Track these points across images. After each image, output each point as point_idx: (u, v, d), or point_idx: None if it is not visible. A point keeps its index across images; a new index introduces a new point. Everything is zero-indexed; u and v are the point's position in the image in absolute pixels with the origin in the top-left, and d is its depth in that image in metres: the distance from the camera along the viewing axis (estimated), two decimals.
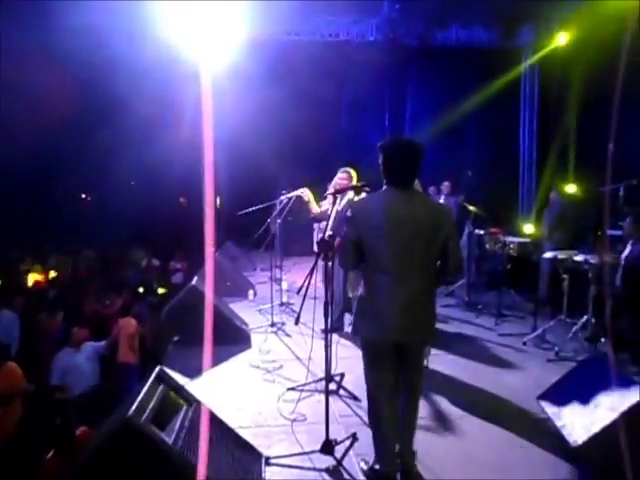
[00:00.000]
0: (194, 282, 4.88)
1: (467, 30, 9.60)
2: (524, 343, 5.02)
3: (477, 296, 6.57)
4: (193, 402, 2.48)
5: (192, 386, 3.87)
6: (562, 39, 8.84)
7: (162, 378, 2.37)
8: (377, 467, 2.65)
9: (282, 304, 6.02)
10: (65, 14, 6.80)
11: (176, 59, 7.60)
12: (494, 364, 4.55)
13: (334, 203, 2.75)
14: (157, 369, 2.40)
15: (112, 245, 10.45)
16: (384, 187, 2.53)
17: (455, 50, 9.65)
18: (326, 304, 2.82)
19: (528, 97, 10.24)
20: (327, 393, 2.89)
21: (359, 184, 2.78)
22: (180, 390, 2.50)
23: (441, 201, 7.65)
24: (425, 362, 3.58)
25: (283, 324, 5.40)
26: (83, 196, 13.16)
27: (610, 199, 6.34)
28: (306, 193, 5.11)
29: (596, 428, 2.47)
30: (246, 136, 9.45)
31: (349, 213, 2.54)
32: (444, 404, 3.68)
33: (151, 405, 2.09)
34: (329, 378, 3.80)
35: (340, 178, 4.75)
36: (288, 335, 5.14)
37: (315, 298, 3.58)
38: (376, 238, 2.42)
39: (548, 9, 9.01)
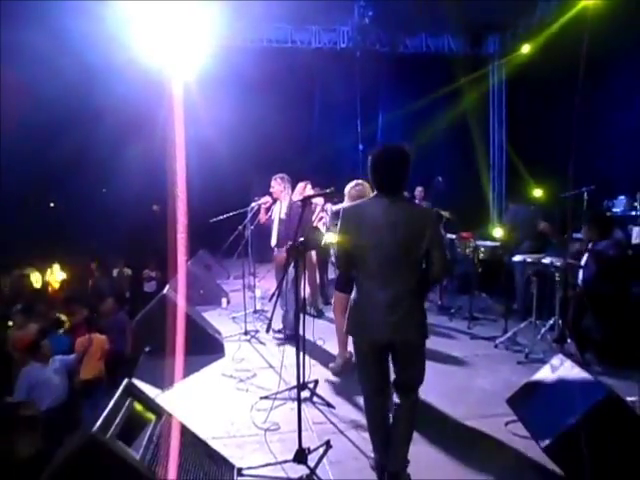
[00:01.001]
0: (165, 291, 4.81)
1: (436, 38, 9.82)
2: (495, 346, 5.10)
3: (450, 300, 6.66)
4: (163, 414, 2.44)
5: (164, 397, 3.83)
6: (526, 48, 9.06)
7: (130, 391, 2.32)
8: (379, 460, 2.73)
9: (256, 311, 5.99)
10: (33, 17, 6.67)
11: (148, 66, 7.52)
12: (466, 367, 4.62)
13: (303, 210, 2.74)
14: (125, 382, 2.35)
15: (81, 255, 10.21)
16: (374, 193, 2.59)
17: (425, 57, 9.84)
18: (297, 311, 2.82)
19: (497, 103, 10.49)
20: (299, 401, 2.87)
21: (329, 191, 2.78)
22: (149, 402, 2.46)
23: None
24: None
25: (257, 332, 5.37)
26: (52, 205, 12.83)
27: (574, 204, 6.55)
28: (265, 200, 5.27)
29: (560, 429, 2.53)
30: (219, 143, 9.40)
31: (340, 220, 2.57)
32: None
33: (118, 419, 2.04)
34: (302, 386, 3.82)
35: (273, 185, 5.03)
36: (262, 343, 5.12)
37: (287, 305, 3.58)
38: (363, 243, 2.48)
39: (513, 18, 9.29)
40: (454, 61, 9.93)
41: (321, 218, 5.89)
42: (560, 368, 2.99)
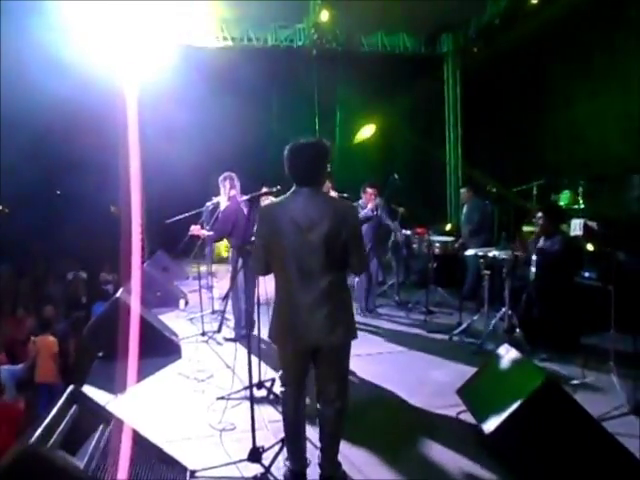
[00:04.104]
0: (119, 294, 4.70)
1: (392, 37, 9.96)
2: (450, 338, 5.25)
3: (407, 295, 6.80)
4: (111, 420, 2.39)
5: (117, 402, 3.76)
6: (477, 47, 9.32)
7: (75, 398, 2.26)
8: (287, 463, 2.71)
9: (214, 312, 5.94)
10: None
11: (100, 66, 7.31)
12: (422, 360, 4.73)
13: (251, 209, 2.73)
14: (70, 388, 2.29)
15: (35, 259, 9.85)
16: (292, 188, 2.51)
17: (381, 56, 9.95)
18: (246, 310, 2.82)
19: (451, 101, 10.72)
20: (252, 400, 2.87)
21: (275, 189, 2.76)
22: (96, 409, 2.41)
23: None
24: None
25: (215, 332, 5.33)
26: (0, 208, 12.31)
27: (524, 198, 6.81)
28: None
29: (503, 416, 2.63)
30: (177, 143, 9.27)
31: (258, 218, 2.51)
32: (373, 399, 3.81)
33: (61, 428, 1.99)
34: (254, 384, 3.80)
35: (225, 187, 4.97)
36: (219, 344, 5.08)
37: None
38: (280, 241, 2.40)
39: (465, 18, 9.52)
40: (409, 60, 10.12)
41: None
42: (505, 357, 3.11)
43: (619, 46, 6.85)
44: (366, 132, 10.02)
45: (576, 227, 5.48)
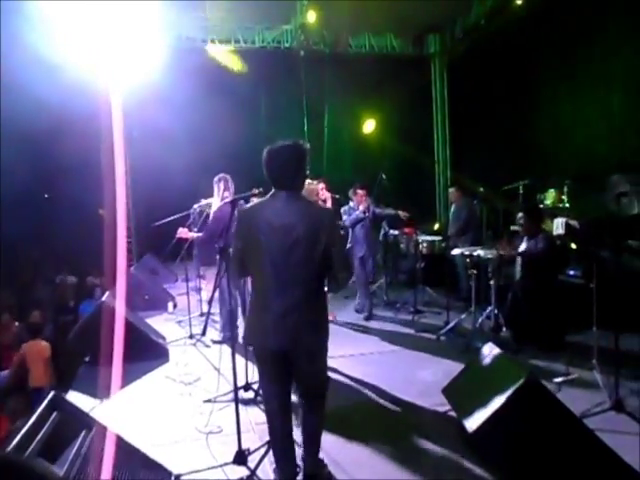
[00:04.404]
0: (104, 298, 4.68)
1: (379, 37, 9.99)
2: (438, 338, 5.27)
3: (396, 295, 6.82)
4: (93, 426, 2.38)
5: (103, 407, 3.74)
6: (463, 47, 9.39)
7: (56, 404, 2.25)
8: (275, 469, 2.71)
9: (202, 314, 5.92)
10: None
11: (87, 64, 7.25)
12: (410, 360, 4.75)
13: (232, 211, 2.73)
14: (51, 395, 2.28)
15: (22, 263, 9.73)
16: (271, 192, 2.51)
17: (368, 56, 9.98)
18: (230, 312, 2.83)
19: (439, 101, 10.78)
20: (237, 402, 2.88)
21: (257, 191, 2.77)
22: (78, 415, 2.39)
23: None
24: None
25: (202, 335, 5.31)
26: None
27: (511, 197, 6.85)
28: (208, 202, 5.18)
29: (486, 414, 2.65)
30: (164, 145, 9.23)
31: (236, 221, 2.50)
32: (360, 399, 3.83)
33: (40, 435, 1.98)
34: (245, 387, 3.84)
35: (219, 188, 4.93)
36: (207, 346, 5.07)
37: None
38: (256, 244, 2.39)
39: (452, 19, 9.59)
40: (397, 60, 10.16)
41: None
42: (488, 356, 3.13)
43: (603, 46, 6.92)
44: (369, 126, 10.03)
45: (558, 226, 5.53)
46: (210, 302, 2.91)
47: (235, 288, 4.37)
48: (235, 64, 9.52)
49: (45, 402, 2.22)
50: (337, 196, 6.33)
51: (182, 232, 5.18)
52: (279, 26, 9.39)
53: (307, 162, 2.53)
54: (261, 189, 2.69)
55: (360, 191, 5.96)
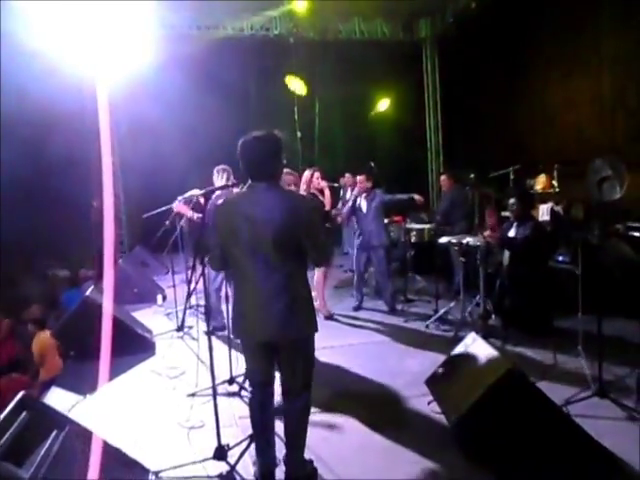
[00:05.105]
0: (88, 292, 4.64)
1: (369, 23, 9.83)
2: (427, 326, 5.25)
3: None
4: (66, 425, 2.34)
5: (86, 403, 3.72)
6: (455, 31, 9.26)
7: (25, 404, 2.21)
8: (255, 462, 2.69)
9: (191, 307, 5.87)
10: None
11: (73, 55, 7.12)
12: (397, 349, 4.73)
13: (205, 204, 2.68)
14: (20, 395, 2.24)
15: (12, 257, 9.66)
16: (248, 183, 2.47)
17: (359, 42, 9.84)
18: (206, 307, 2.79)
19: (430, 86, 10.65)
20: (215, 396, 2.84)
21: (230, 183, 2.71)
22: (50, 414, 2.35)
23: (348, 194, 7.81)
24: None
25: (191, 328, 5.28)
26: None
27: (502, 182, 6.79)
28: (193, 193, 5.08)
29: (467, 405, 2.62)
30: (155, 137, 9.14)
31: (214, 214, 2.47)
32: (345, 390, 3.81)
33: (6, 437, 1.94)
34: (230, 380, 3.81)
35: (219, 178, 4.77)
36: (195, 339, 5.03)
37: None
38: (235, 237, 2.36)
39: (442, 3, 9.43)
40: (387, 46, 10.01)
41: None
42: (472, 346, 3.10)
43: (593, 30, 6.82)
44: (361, 114, 9.90)
45: (544, 212, 5.49)
46: (188, 296, 2.85)
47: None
48: (224, 53, 9.37)
49: (13, 402, 2.17)
50: (336, 184, 6.24)
51: (180, 207, 4.99)
52: (267, 13, 9.24)
53: (282, 152, 2.50)
54: (235, 181, 2.63)
55: (360, 177, 5.88)
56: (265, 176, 2.41)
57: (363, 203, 5.88)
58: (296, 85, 9.60)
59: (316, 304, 5.65)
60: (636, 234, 3.12)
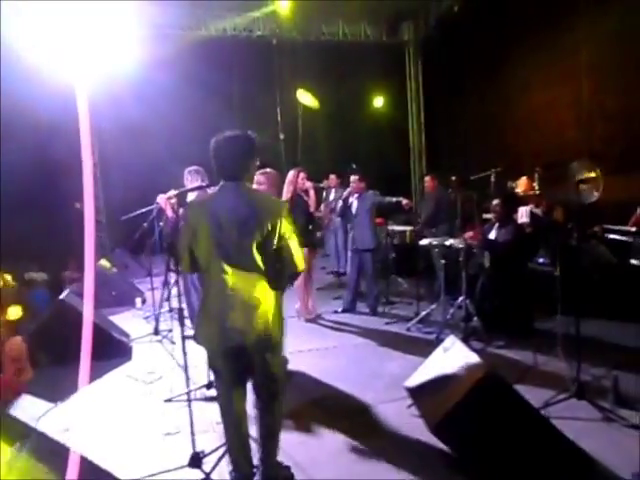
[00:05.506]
0: (63, 296, 4.52)
1: (352, 25, 9.83)
2: (408, 329, 5.22)
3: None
4: (27, 436, 2.25)
5: (58, 411, 3.61)
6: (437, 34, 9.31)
7: None
8: (231, 472, 2.60)
9: (171, 310, 5.78)
10: None
11: (53, 54, 6.96)
12: (378, 352, 4.69)
13: (179, 205, 2.62)
14: None
15: None
16: (220, 183, 2.41)
17: (343, 44, 9.84)
18: (180, 309, 2.72)
19: (413, 89, 10.69)
20: (190, 402, 2.78)
21: (205, 184, 2.65)
22: (14, 425, 2.27)
23: (331, 195, 7.78)
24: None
25: (170, 331, 5.19)
26: None
27: (483, 185, 6.82)
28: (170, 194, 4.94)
29: (445, 409, 2.59)
30: (137, 137, 9.02)
31: (184, 215, 2.42)
32: (323, 394, 3.76)
33: None
34: (203, 385, 3.74)
35: (187, 180, 4.68)
36: (173, 343, 4.94)
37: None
38: (204, 238, 2.31)
39: (425, 6, 9.48)
40: (371, 48, 10.02)
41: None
42: (451, 349, 3.07)
43: (572, 36, 6.91)
44: (344, 115, 9.87)
45: (523, 214, 5.52)
46: (161, 300, 2.78)
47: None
48: (206, 53, 9.29)
49: None
50: (322, 185, 6.17)
51: (162, 200, 4.74)
52: (250, 14, 9.18)
53: (255, 152, 2.45)
54: (207, 182, 2.57)
55: (353, 177, 5.84)
56: (236, 176, 2.37)
57: (355, 203, 5.84)
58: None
59: (297, 307, 5.62)
60: (613, 236, 3.15)
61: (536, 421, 2.55)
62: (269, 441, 2.56)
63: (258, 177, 3.75)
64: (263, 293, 2.36)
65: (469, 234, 4.93)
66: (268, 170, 4.10)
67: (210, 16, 9.07)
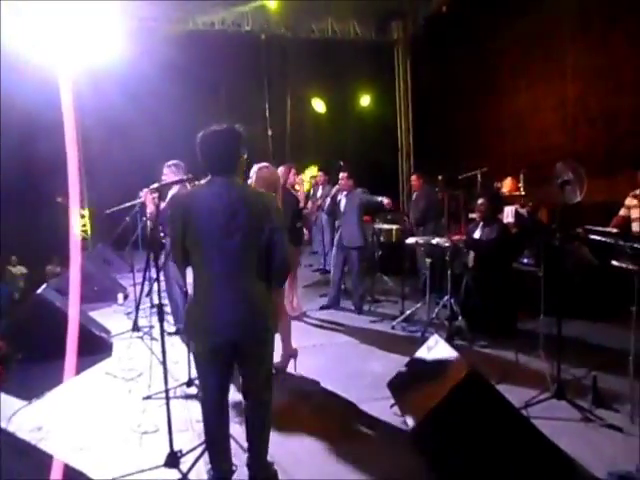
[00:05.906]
0: (41, 290, 4.42)
1: (342, 23, 9.79)
2: (392, 327, 5.21)
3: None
4: None
5: (33, 408, 3.52)
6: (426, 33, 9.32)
7: None
8: (210, 470, 2.57)
9: (153, 306, 5.69)
10: None
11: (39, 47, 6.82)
12: (362, 351, 4.66)
13: (159, 199, 2.57)
14: None
15: None
16: (207, 177, 2.39)
17: (332, 42, 9.79)
18: (159, 306, 2.67)
19: (402, 88, 10.68)
20: (167, 400, 2.72)
21: (186, 177, 2.60)
22: None
23: (319, 192, 7.75)
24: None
25: (151, 327, 5.11)
26: None
27: (469, 185, 6.85)
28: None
29: (426, 409, 2.57)
30: (122, 132, 8.90)
31: (170, 209, 2.37)
32: (304, 393, 3.73)
33: None
34: (183, 383, 3.69)
35: (166, 173, 4.66)
36: (154, 339, 4.86)
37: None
38: (194, 232, 2.28)
39: (414, 5, 9.48)
40: (360, 46, 10.00)
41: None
42: (434, 349, 3.06)
43: (558, 40, 6.97)
44: (332, 112, 9.96)
45: (508, 214, 5.54)
46: (140, 295, 2.72)
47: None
48: (194, 48, 9.18)
49: None
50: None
51: (145, 195, 4.69)
52: (239, 9, 9.09)
53: (243, 146, 2.42)
54: (190, 175, 2.52)
55: (342, 174, 5.80)
56: (224, 170, 2.35)
57: (343, 201, 5.82)
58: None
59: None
60: (594, 237, 3.18)
61: (516, 421, 2.54)
62: (261, 438, 2.54)
63: (262, 171, 3.68)
64: (254, 287, 2.34)
65: (456, 238, 4.92)
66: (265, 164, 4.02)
67: (198, 9, 8.94)
